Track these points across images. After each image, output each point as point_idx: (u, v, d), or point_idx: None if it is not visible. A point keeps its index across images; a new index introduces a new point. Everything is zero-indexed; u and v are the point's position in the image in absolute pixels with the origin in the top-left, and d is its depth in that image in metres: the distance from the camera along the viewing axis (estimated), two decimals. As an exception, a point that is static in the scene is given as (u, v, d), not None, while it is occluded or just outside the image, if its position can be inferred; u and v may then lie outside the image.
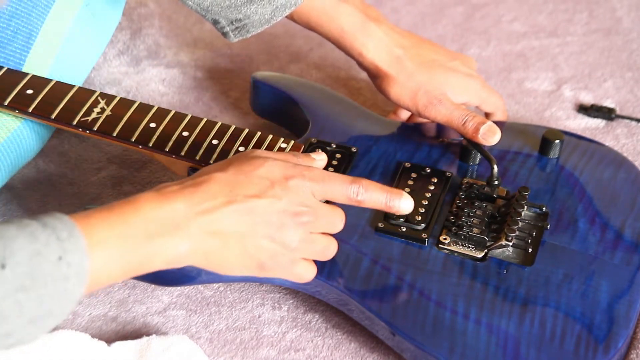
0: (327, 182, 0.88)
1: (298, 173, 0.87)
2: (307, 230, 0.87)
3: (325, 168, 0.99)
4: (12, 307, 0.72)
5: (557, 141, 1.03)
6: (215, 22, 1.04)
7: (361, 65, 1.06)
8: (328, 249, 0.90)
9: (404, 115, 1.12)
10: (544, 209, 0.98)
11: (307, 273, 0.90)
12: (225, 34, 1.05)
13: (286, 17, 1.03)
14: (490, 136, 1.00)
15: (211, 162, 0.98)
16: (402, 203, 0.90)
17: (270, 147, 1.00)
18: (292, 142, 1.01)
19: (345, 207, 0.97)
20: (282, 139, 1.01)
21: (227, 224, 0.84)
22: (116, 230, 0.78)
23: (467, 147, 1.02)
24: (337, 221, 0.89)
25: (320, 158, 0.94)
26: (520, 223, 0.96)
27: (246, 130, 1.01)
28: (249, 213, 0.84)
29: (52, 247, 0.73)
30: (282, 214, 0.86)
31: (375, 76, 1.06)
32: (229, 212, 0.84)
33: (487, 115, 1.09)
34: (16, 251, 0.72)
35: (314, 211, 0.87)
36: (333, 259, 0.92)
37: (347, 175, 0.90)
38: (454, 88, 1.05)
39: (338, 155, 1.02)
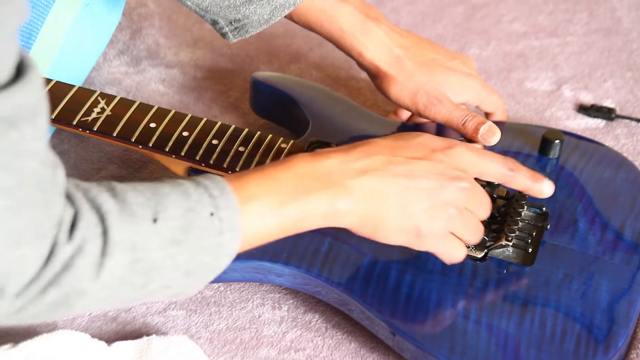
0: (485, 155, 0.90)
1: (458, 143, 0.89)
2: (464, 199, 0.87)
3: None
4: (166, 260, 0.74)
5: (557, 141, 1.03)
6: (214, 23, 1.04)
7: (361, 65, 1.06)
8: (477, 232, 0.89)
9: (404, 115, 1.12)
10: (544, 209, 0.98)
11: (458, 251, 0.89)
12: (224, 35, 1.05)
13: (285, 17, 1.03)
14: (490, 136, 1.00)
15: (211, 162, 0.98)
16: (545, 186, 0.92)
17: (270, 147, 1.00)
18: (292, 142, 1.01)
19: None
20: (282, 139, 1.01)
21: (387, 185, 0.84)
22: (268, 186, 0.80)
23: (467, 147, 1.02)
24: (487, 204, 0.90)
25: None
26: (520, 223, 0.96)
27: (246, 130, 1.01)
28: (409, 174, 0.85)
29: (204, 204, 0.76)
30: (442, 176, 0.86)
31: (375, 76, 1.06)
32: (389, 172, 0.85)
33: (487, 115, 1.09)
34: (169, 207, 0.74)
35: (471, 181, 0.88)
36: (334, 258, 0.92)
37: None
38: (453, 88, 1.05)
39: (338, 155, 1.02)
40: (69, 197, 0.71)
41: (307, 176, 0.82)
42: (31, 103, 0.68)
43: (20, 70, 0.68)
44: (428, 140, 0.89)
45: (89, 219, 0.71)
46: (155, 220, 0.73)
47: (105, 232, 0.71)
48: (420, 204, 0.85)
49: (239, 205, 0.77)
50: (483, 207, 0.90)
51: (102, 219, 0.71)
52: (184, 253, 0.75)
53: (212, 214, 0.76)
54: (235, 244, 0.77)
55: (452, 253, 0.88)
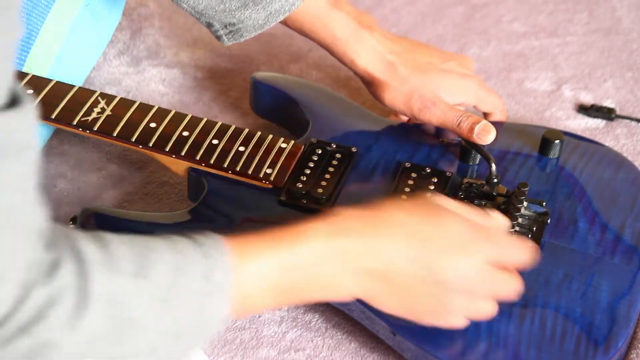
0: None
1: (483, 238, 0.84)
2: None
3: (325, 169, 0.99)
4: (147, 318, 0.69)
5: (557, 141, 1.03)
6: (209, 26, 1.04)
7: (354, 72, 1.06)
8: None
9: (402, 119, 1.12)
10: (543, 204, 0.97)
11: (482, 309, 0.84)
12: (218, 37, 1.05)
13: (280, 22, 1.04)
14: (485, 135, 1.00)
15: (211, 162, 0.98)
16: None
17: (270, 147, 1.00)
18: (292, 142, 1.01)
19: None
20: (282, 139, 1.01)
21: (399, 275, 0.80)
22: (270, 257, 0.76)
23: (466, 147, 1.02)
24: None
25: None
26: (519, 219, 0.96)
27: (246, 130, 1.01)
28: (425, 268, 0.80)
29: (198, 264, 0.71)
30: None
31: (369, 83, 1.06)
32: (406, 264, 0.80)
33: (485, 115, 1.09)
34: (157, 263, 0.70)
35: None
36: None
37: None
38: (449, 89, 1.05)
39: (338, 156, 1.02)
40: (52, 242, 0.67)
41: (315, 254, 0.77)
42: (24, 134, 0.64)
43: (15, 100, 0.64)
44: (455, 230, 0.82)
45: (69, 267, 0.66)
46: (139, 274, 0.69)
47: (84, 283, 0.66)
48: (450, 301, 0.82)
49: (231, 272, 0.73)
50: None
51: (84, 269, 0.67)
52: (168, 312, 0.70)
53: (205, 276, 0.71)
54: (225, 308, 0.73)
55: (476, 314, 0.84)
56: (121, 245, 0.70)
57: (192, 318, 0.72)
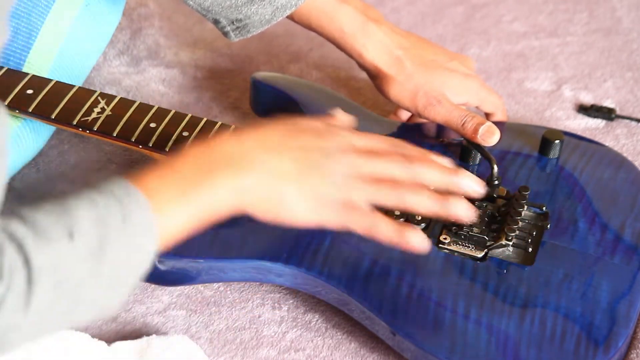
0: (373, 138, 0.88)
1: (343, 129, 0.89)
2: (361, 165, 0.85)
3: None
4: (89, 275, 0.72)
5: (557, 141, 1.03)
6: (215, 22, 1.04)
7: (361, 65, 1.06)
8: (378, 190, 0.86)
9: (404, 115, 1.12)
10: (544, 208, 0.98)
11: (364, 220, 0.85)
12: (225, 34, 1.05)
13: (286, 17, 1.03)
14: (489, 136, 1.01)
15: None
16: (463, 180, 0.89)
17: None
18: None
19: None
20: (282, 139, 1.01)
21: (285, 159, 0.84)
22: (168, 178, 0.79)
23: (467, 147, 1.02)
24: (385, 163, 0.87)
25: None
26: (520, 222, 0.96)
27: (246, 130, 1.01)
28: (304, 147, 0.85)
29: (113, 211, 0.74)
30: (336, 149, 0.86)
31: (375, 77, 1.06)
32: (285, 147, 0.84)
33: (486, 115, 1.09)
34: (80, 220, 0.72)
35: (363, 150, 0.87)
36: (334, 258, 0.92)
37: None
38: (453, 88, 1.05)
39: (338, 155, 1.01)
40: None
41: (206, 160, 0.81)
42: None
43: None
44: (316, 124, 0.88)
45: (9, 252, 0.68)
46: (71, 237, 0.71)
47: (26, 260, 0.68)
48: (317, 172, 0.84)
49: (148, 205, 0.75)
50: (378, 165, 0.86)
51: (20, 247, 0.69)
52: (105, 264, 0.72)
53: (124, 219, 0.74)
54: (154, 245, 0.76)
55: (357, 222, 0.85)
56: (43, 215, 0.71)
57: (126, 262, 0.74)
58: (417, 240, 0.85)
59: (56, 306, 0.71)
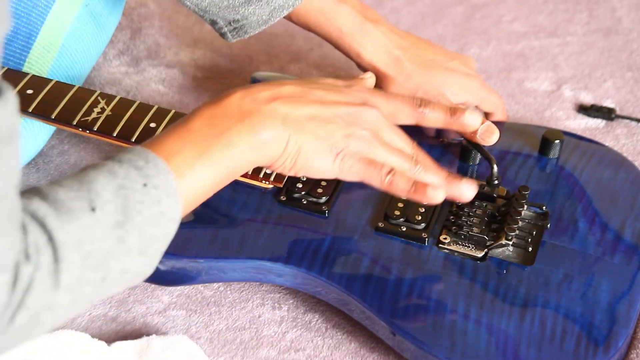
0: (391, 95, 0.91)
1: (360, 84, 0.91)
2: (376, 123, 0.87)
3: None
4: (115, 245, 0.72)
5: (557, 141, 1.03)
6: (213, 23, 1.04)
7: (359, 66, 1.06)
8: (397, 151, 0.89)
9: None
10: (544, 208, 0.98)
11: (380, 172, 0.86)
12: (223, 35, 1.05)
13: (284, 17, 1.03)
14: (488, 136, 1.00)
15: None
16: (467, 118, 0.93)
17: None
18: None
19: (344, 209, 0.97)
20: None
21: (300, 109, 0.84)
22: (184, 139, 0.79)
23: (467, 147, 1.02)
24: (399, 132, 0.90)
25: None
26: (520, 222, 0.96)
27: (246, 130, 1.01)
28: (320, 100, 0.86)
29: (133, 178, 0.74)
30: (353, 103, 0.87)
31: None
32: (299, 99, 0.85)
33: (486, 115, 1.09)
34: (100, 191, 0.72)
35: (380, 110, 0.89)
36: (334, 258, 0.92)
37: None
38: (452, 88, 1.05)
39: (338, 155, 1.02)
40: (21, 222, 0.69)
41: (219, 116, 0.81)
42: (8, 122, 0.65)
43: None
44: (332, 80, 0.90)
45: (34, 232, 0.68)
46: (93, 209, 0.71)
47: (50, 238, 0.69)
48: (334, 124, 0.85)
49: (168, 168, 0.76)
50: (395, 134, 0.89)
51: (43, 225, 0.69)
52: (131, 232, 0.73)
53: (145, 185, 0.74)
54: (177, 207, 0.76)
55: (374, 175, 0.86)
56: (63, 190, 0.71)
57: (150, 229, 0.74)
58: (432, 194, 0.87)
59: (86, 280, 0.71)
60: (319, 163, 0.86)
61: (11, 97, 0.66)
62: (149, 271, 0.77)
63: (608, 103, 1.21)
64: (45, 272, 0.68)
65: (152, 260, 0.76)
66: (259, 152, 0.83)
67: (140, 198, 0.74)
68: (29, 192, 0.71)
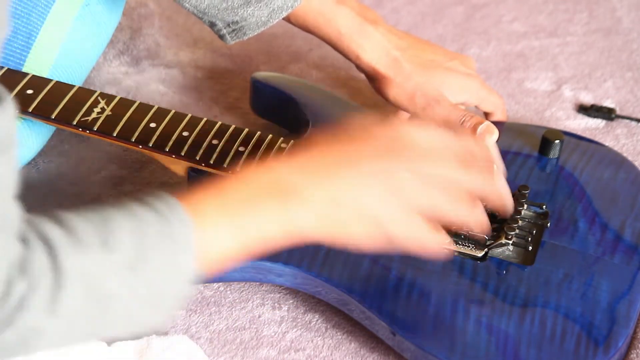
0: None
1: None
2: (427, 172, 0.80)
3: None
4: (122, 287, 0.69)
5: (557, 141, 1.03)
6: (212, 25, 1.04)
7: (359, 67, 1.06)
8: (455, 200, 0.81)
9: (404, 116, 1.12)
10: (544, 207, 0.98)
11: (422, 232, 0.80)
12: (221, 37, 1.05)
13: (283, 19, 1.03)
14: (488, 136, 1.01)
15: (211, 162, 0.98)
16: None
17: (270, 147, 1.00)
18: (292, 142, 1.01)
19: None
20: (282, 139, 1.01)
21: (337, 186, 0.77)
22: (214, 199, 0.74)
23: (467, 147, 1.02)
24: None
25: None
26: (520, 221, 0.96)
27: (246, 130, 1.01)
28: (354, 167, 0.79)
29: (153, 223, 0.71)
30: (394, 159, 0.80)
31: (373, 78, 1.06)
32: (335, 176, 0.78)
33: (486, 115, 1.09)
34: (116, 230, 0.69)
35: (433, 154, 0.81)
36: (334, 258, 0.92)
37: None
38: (452, 88, 1.05)
39: (338, 155, 1.01)
40: (23, 234, 0.67)
41: (255, 186, 0.76)
42: (5, 130, 0.64)
43: None
44: (381, 134, 0.81)
45: (38, 251, 0.66)
46: (106, 246, 0.69)
47: (56, 262, 0.66)
48: (372, 190, 0.78)
49: (190, 222, 0.72)
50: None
51: (51, 250, 0.67)
52: (140, 279, 0.70)
53: (162, 234, 0.70)
54: (192, 264, 0.72)
55: (417, 236, 0.80)
56: (80, 220, 0.69)
57: (163, 279, 0.71)
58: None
59: (86, 315, 0.69)
60: (361, 237, 0.79)
61: (9, 105, 0.65)
62: (157, 323, 0.73)
63: (608, 103, 1.21)
64: (42, 295, 0.66)
65: (161, 312, 0.73)
66: (291, 231, 0.77)
67: (156, 246, 0.70)
68: (48, 215, 0.69)
